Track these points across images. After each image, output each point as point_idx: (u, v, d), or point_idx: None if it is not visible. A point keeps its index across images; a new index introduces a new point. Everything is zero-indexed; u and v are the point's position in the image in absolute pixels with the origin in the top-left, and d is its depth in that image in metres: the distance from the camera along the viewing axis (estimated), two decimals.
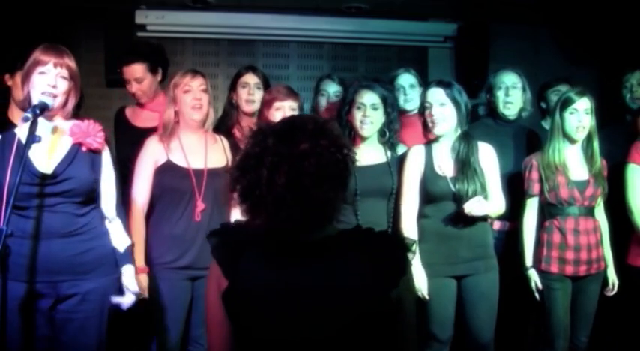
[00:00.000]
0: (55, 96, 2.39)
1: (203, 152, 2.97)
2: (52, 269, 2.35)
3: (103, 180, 2.54)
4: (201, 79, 2.97)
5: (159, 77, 3.62)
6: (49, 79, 2.38)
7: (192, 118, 2.95)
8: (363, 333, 1.39)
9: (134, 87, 3.52)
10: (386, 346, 1.43)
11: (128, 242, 2.63)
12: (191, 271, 2.89)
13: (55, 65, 2.40)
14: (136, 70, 3.51)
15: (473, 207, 2.83)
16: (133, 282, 2.60)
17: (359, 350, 1.40)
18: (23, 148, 2.24)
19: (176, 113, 2.96)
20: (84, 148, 2.47)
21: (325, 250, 1.42)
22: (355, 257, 1.42)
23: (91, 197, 2.49)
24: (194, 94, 2.93)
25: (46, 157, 2.41)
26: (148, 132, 3.21)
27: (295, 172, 1.33)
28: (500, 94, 3.46)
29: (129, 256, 2.61)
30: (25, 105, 2.41)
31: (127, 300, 2.58)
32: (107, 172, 2.56)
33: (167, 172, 2.91)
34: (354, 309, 1.38)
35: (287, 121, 1.44)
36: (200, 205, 2.89)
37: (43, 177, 2.36)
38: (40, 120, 2.31)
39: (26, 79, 2.41)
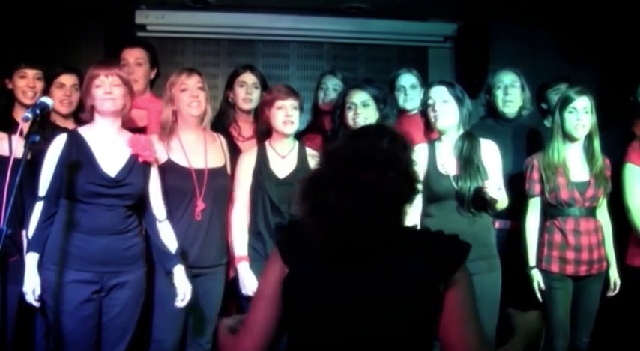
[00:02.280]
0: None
1: (203, 151, 2.97)
2: (102, 261, 2.65)
3: (154, 187, 2.82)
4: (198, 77, 2.98)
5: (152, 75, 3.61)
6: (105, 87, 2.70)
7: (190, 114, 2.94)
8: (413, 329, 1.44)
9: (131, 69, 3.46)
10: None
11: (176, 244, 2.82)
12: (192, 270, 2.89)
13: (107, 75, 2.71)
14: (138, 54, 3.52)
15: (490, 186, 2.84)
16: (185, 282, 2.78)
17: (405, 345, 1.44)
18: (89, 149, 2.68)
19: (174, 113, 2.96)
20: (140, 160, 2.76)
21: (384, 249, 1.47)
22: (412, 257, 1.47)
23: (139, 202, 2.77)
24: (191, 92, 2.93)
25: (111, 162, 2.71)
26: (135, 132, 3.19)
27: (360, 200, 1.39)
28: (499, 93, 3.46)
29: (179, 257, 2.81)
30: (87, 116, 2.80)
31: (181, 302, 2.77)
32: (156, 181, 2.83)
33: (168, 172, 2.91)
34: (407, 307, 1.43)
35: (360, 147, 1.49)
36: (200, 205, 2.90)
37: (110, 180, 2.67)
38: (102, 124, 2.74)
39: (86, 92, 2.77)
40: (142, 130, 3.29)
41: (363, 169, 1.42)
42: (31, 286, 2.60)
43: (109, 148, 2.74)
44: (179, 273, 2.77)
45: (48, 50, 4.18)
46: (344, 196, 1.39)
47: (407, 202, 1.47)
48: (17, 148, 2.72)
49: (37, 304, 2.62)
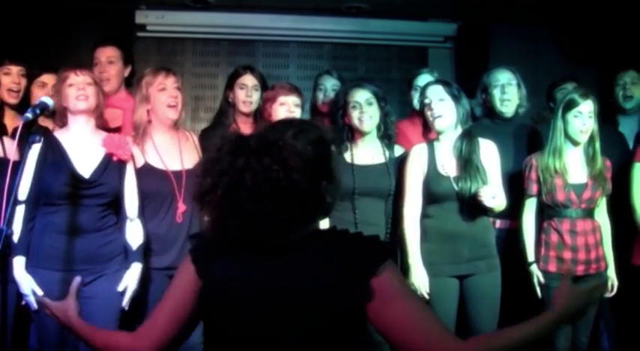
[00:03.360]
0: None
1: (178, 152, 2.97)
2: (79, 260, 2.68)
3: (129, 186, 2.83)
4: (174, 77, 2.98)
5: (126, 73, 3.58)
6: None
7: (167, 117, 2.93)
8: (329, 333, 1.42)
9: (103, 68, 3.45)
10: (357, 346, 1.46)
11: (141, 241, 2.82)
12: (173, 271, 2.88)
13: (77, 74, 2.75)
14: (110, 52, 3.49)
15: (485, 194, 2.84)
16: (132, 280, 2.78)
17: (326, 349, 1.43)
18: (64, 151, 2.71)
19: (148, 112, 2.93)
20: (115, 158, 2.78)
21: (293, 250, 1.46)
22: (323, 257, 1.45)
23: (115, 200, 2.79)
24: (170, 92, 2.92)
25: (85, 163, 2.74)
26: (110, 132, 3.15)
27: (232, 185, 1.38)
28: (496, 92, 3.43)
29: (139, 255, 2.81)
30: (60, 119, 2.84)
31: (125, 298, 2.77)
32: (131, 179, 2.84)
33: (146, 175, 2.90)
34: (318, 308, 1.41)
35: (242, 135, 1.48)
36: (181, 207, 2.90)
37: (84, 181, 2.71)
38: (75, 126, 2.76)
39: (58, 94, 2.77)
40: (116, 130, 3.26)
41: (239, 153, 1.40)
42: (29, 287, 2.61)
43: (84, 148, 2.76)
44: (133, 270, 2.77)
45: (48, 50, 4.19)
46: (219, 181, 1.39)
47: (284, 195, 1.40)
48: (14, 148, 2.72)
49: (36, 305, 2.59)
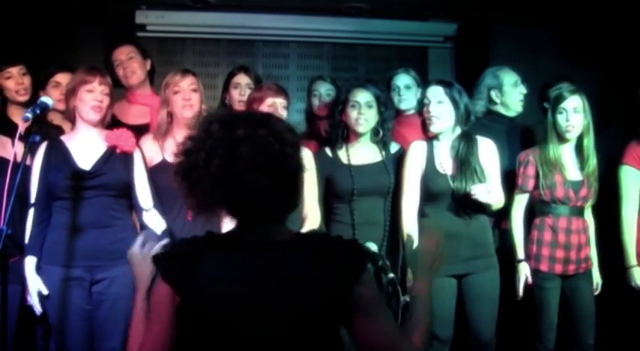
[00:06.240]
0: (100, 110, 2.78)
1: None
2: (88, 256, 2.70)
3: (137, 176, 2.85)
4: (191, 78, 3.00)
5: (148, 66, 3.63)
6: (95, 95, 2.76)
7: (183, 116, 2.96)
8: (316, 333, 1.42)
9: (126, 64, 3.51)
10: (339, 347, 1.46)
11: (164, 226, 2.83)
12: None
13: (100, 83, 2.78)
14: (128, 49, 3.57)
15: (479, 191, 2.85)
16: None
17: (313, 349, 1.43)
18: (67, 150, 2.75)
19: (169, 114, 2.98)
20: (118, 150, 2.80)
21: (279, 249, 1.45)
22: (308, 258, 1.44)
23: (124, 193, 2.81)
24: (183, 95, 2.95)
25: (87, 157, 2.77)
26: (139, 129, 3.19)
27: (229, 156, 1.38)
28: (514, 90, 3.47)
29: (166, 236, 2.75)
30: (68, 117, 2.88)
31: None
32: (139, 169, 2.87)
33: (162, 172, 2.90)
34: (303, 309, 1.41)
35: (231, 111, 1.50)
36: None
37: (85, 172, 2.74)
38: (83, 129, 2.80)
39: (72, 94, 2.78)
40: (146, 127, 3.29)
41: (234, 126, 1.40)
42: (35, 288, 2.64)
43: (86, 145, 2.80)
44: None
45: (48, 50, 4.19)
46: (214, 154, 1.38)
47: (279, 167, 1.40)
48: (18, 149, 2.73)
49: (39, 308, 2.65)
